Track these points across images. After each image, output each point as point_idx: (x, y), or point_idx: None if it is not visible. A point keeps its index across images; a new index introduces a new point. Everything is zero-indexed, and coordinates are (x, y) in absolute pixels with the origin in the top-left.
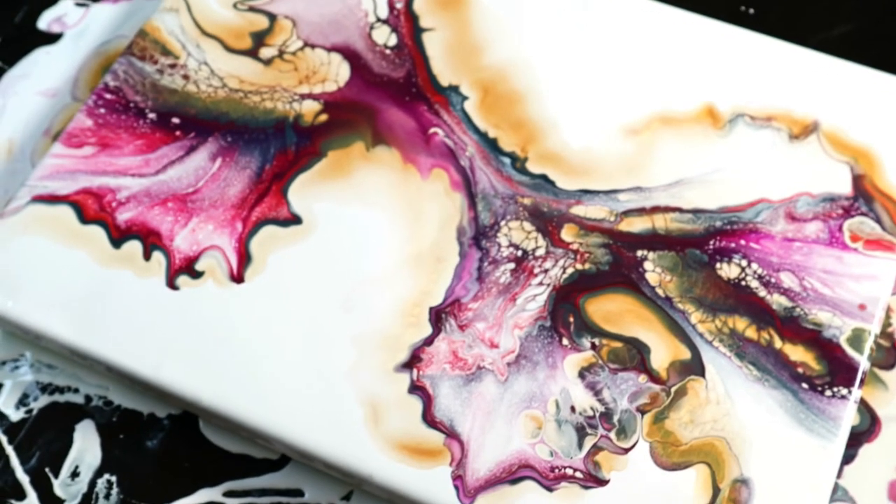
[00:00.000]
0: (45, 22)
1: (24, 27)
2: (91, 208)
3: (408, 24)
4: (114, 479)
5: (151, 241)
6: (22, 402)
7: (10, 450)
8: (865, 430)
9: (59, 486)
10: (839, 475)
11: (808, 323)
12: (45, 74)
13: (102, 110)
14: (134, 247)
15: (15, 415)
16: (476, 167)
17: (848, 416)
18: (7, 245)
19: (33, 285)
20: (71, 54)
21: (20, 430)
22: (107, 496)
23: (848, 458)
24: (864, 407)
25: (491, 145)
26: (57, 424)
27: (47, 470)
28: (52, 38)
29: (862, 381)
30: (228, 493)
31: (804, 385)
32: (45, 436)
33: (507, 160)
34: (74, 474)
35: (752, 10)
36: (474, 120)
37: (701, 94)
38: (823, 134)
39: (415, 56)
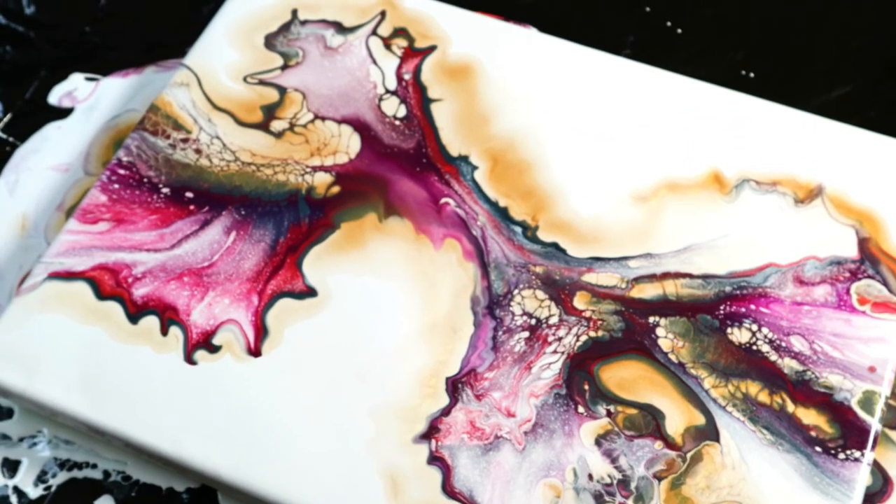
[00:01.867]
0: (55, 97)
1: (35, 102)
2: (107, 284)
3: (416, 95)
4: None
5: (168, 316)
6: (41, 478)
7: None
8: (878, 491)
9: None
10: None
11: (820, 386)
12: (56, 149)
13: (116, 186)
14: (151, 322)
15: (34, 492)
16: (488, 236)
17: (862, 478)
18: (24, 322)
19: (51, 363)
20: (82, 129)
21: None
22: None
23: None
24: (877, 468)
25: (502, 214)
26: (76, 501)
27: None
28: (62, 112)
29: (874, 443)
30: None
31: (818, 448)
32: None
33: (518, 229)
34: None
35: (752, 74)
36: (485, 189)
37: (707, 160)
38: (828, 197)
39: (424, 127)
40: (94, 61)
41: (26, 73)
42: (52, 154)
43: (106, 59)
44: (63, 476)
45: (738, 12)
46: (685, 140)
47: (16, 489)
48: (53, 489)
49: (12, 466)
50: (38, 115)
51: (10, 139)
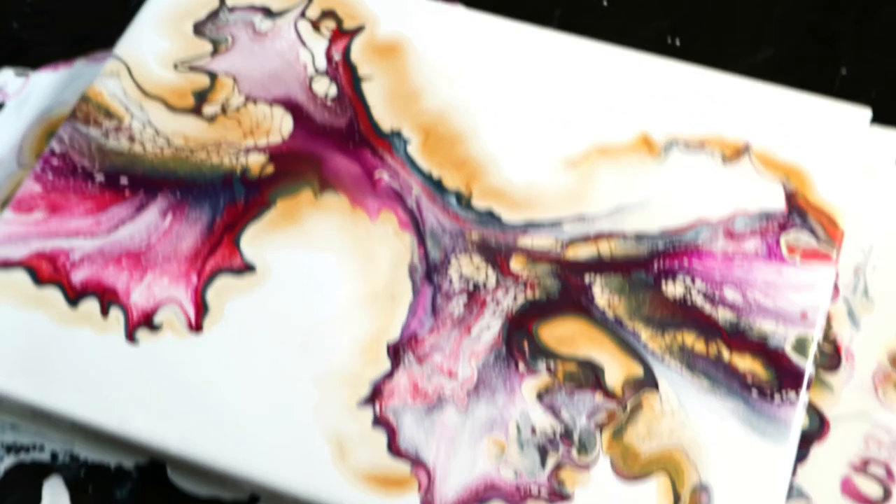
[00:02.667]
0: None
1: None
2: (45, 271)
3: (347, 75)
4: None
5: (108, 298)
6: None
7: None
8: (815, 431)
9: None
10: (794, 475)
11: (754, 334)
12: None
13: (50, 175)
14: (91, 305)
15: None
16: (423, 207)
17: (797, 418)
18: None
19: None
20: (14, 123)
21: None
22: None
23: (801, 458)
24: (813, 409)
25: (436, 185)
26: (25, 483)
27: None
28: None
29: (808, 386)
30: None
31: (754, 393)
32: (13, 496)
33: (452, 198)
34: None
35: (678, 41)
36: (417, 162)
37: (635, 125)
38: (755, 155)
39: (356, 105)
40: (24, 56)
41: None
42: None
43: (35, 53)
44: (10, 460)
45: None
46: (614, 106)
47: None
48: (1, 473)
49: None
50: None
51: None
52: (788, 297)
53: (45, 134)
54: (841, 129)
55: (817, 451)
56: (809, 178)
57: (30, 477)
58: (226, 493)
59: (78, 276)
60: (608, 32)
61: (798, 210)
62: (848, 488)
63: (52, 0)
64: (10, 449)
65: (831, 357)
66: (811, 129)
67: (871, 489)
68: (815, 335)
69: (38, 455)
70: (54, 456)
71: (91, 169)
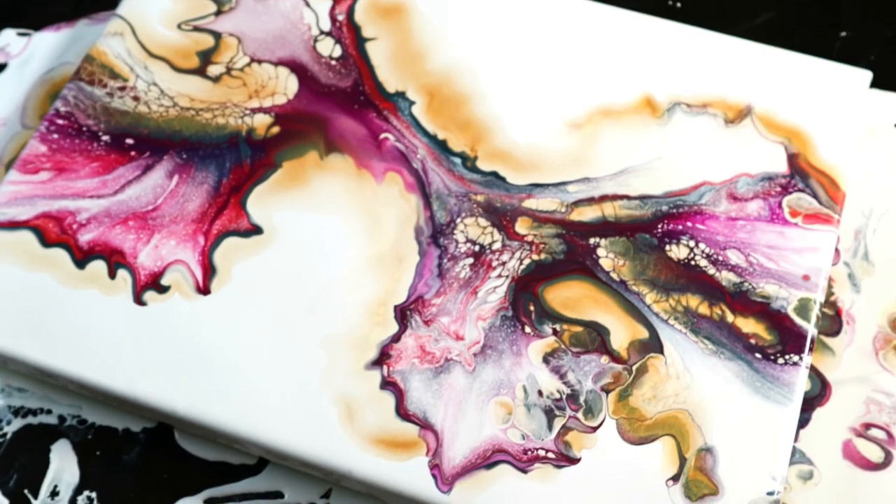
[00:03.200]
0: None
1: None
2: (52, 232)
3: (351, 35)
4: (94, 495)
5: (115, 259)
6: None
7: None
8: (817, 395)
9: None
10: (796, 439)
11: (757, 296)
12: None
13: (55, 136)
14: (98, 266)
15: None
16: (428, 168)
17: (801, 380)
18: None
19: (0, 311)
20: (17, 83)
21: None
22: None
23: (802, 422)
24: (815, 373)
25: (441, 147)
26: (32, 446)
27: (26, 491)
28: None
29: (811, 348)
30: (209, 501)
31: (757, 355)
32: (21, 458)
33: (457, 160)
34: (54, 493)
35: (679, 4)
36: (423, 123)
37: (638, 86)
38: (757, 117)
39: (360, 65)
40: (25, 17)
41: None
42: None
43: (37, 14)
44: (18, 423)
45: None
46: (616, 68)
47: None
48: (9, 436)
49: None
50: None
51: None
52: (791, 260)
53: (48, 94)
54: (842, 91)
55: (819, 414)
56: (811, 140)
57: (38, 440)
58: (233, 457)
59: (85, 238)
60: None
61: (800, 172)
62: (849, 452)
63: None
64: (18, 412)
65: (832, 321)
66: (813, 91)
67: (872, 452)
68: (818, 297)
69: (45, 418)
70: (62, 419)
71: (96, 129)
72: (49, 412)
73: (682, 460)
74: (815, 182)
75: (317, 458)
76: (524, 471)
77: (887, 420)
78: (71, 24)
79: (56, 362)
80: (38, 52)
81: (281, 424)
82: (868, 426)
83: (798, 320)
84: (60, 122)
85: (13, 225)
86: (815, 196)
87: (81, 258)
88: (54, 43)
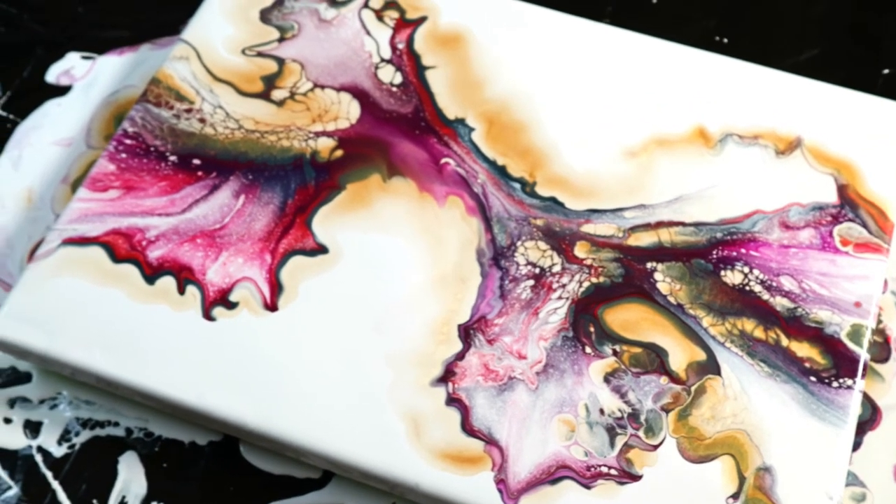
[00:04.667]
0: (53, 75)
1: (33, 81)
2: (122, 248)
3: (411, 63)
4: None
5: (184, 276)
6: (64, 437)
7: (56, 484)
8: (868, 420)
9: None
10: (848, 462)
11: (810, 321)
12: (57, 125)
13: (124, 155)
14: (168, 282)
15: (58, 451)
16: (489, 193)
17: (854, 404)
18: (42, 287)
19: (72, 324)
20: (82, 105)
21: (64, 465)
22: None
23: (854, 445)
24: (865, 398)
25: (500, 172)
26: (100, 457)
27: (95, 502)
28: (61, 90)
29: (864, 372)
30: None
31: (812, 378)
32: (89, 469)
33: (517, 185)
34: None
35: (725, 40)
36: (482, 149)
37: (692, 117)
38: (807, 149)
39: (420, 92)
40: (89, 40)
41: (22, 52)
42: (54, 129)
43: (100, 38)
44: (86, 435)
45: None
46: (670, 99)
47: (40, 449)
48: (77, 447)
49: (34, 428)
50: (36, 93)
51: (11, 117)
52: (843, 287)
53: (112, 116)
54: (888, 125)
55: (870, 438)
56: (860, 171)
57: (106, 451)
58: (298, 471)
59: (154, 254)
60: (657, 30)
61: (850, 202)
62: None
63: None
64: (86, 424)
65: (881, 348)
66: (860, 125)
67: None
68: (870, 324)
69: (113, 430)
70: (129, 432)
71: (163, 149)
72: (116, 424)
73: (742, 479)
74: (865, 212)
75: (385, 471)
76: (587, 487)
77: None
78: (134, 48)
79: (127, 374)
80: (102, 75)
81: (349, 437)
82: None
83: (851, 345)
84: (128, 141)
85: (84, 241)
86: (864, 226)
87: (151, 274)
88: (118, 66)
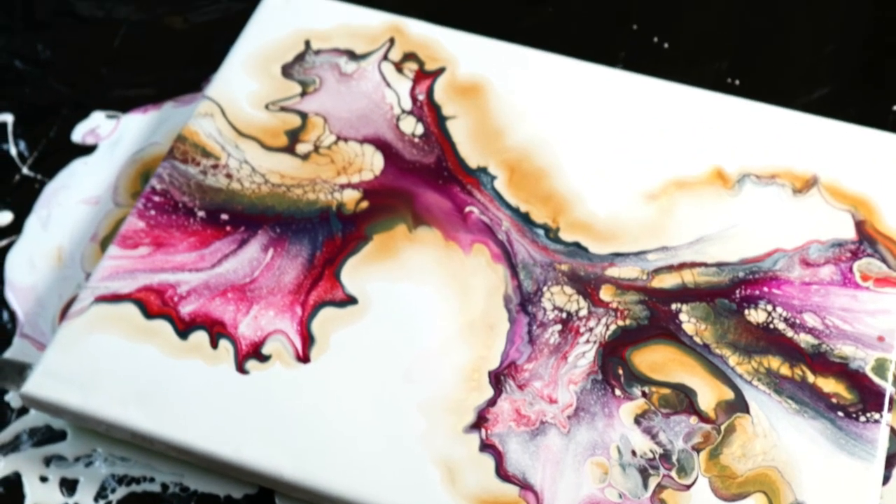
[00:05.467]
0: (78, 135)
1: (59, 141)
2: (154, 304)
3: (431, 114)
4: None
5: (217, 330)
6: (100, 494)
7: None
8: (895, 454)
9: None
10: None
11: (835, 357)
12: (84, 183)
13: (153, 212)
14: (200, 337)
15: None
16: (513, 240)
17: (883, 437)
18: (75, 344)
19: (106, 380)
20: (108, 163)
21: None
22: None
23: (884, 479)
24: (893, 433)
25: (524, 219)
26: None
27: None
28: (87, 149)
29: (890, 406)
30: None
31: (839, 413)
32: None
33: (540, 231)
34: None
35: (737, 82)
36: (505, 197)
37: (709, 159)
38: (823, 186)
39: (442, 142)
40: (113, 99)
41: (48, 113)
42: (81, 188)
43: (124, 97)
44: (122, 491)
45: (719, 25)
46: (687, 142)
47: None
48: (114, 503)
49: (70, 486)
50: (62, 152)
51: (38, 176)
52: (865, 322)
53: (138, 174)
54: None
55: None
56: (876, 207)
57: None
58: None
59: (186, 309)
60: (670, 73)
61: (868, 238)
62: None
63: (138, 44)
64: (122, 480)
65: None
66: (874, 162)
67: None
68: (893, 357)
69: (148, 486)
70: (164, 487)
71: (192, 205)
72: (152, 480)
73: None
74: (883, 247)
75: None
76: None
77: None
78: (157, 106)
79: (162, 429)
80: (127, 133)
81: (385, 486)
82: None
83: (876, 379)
84: (157, 198)
85: (116, 298)
86: (883, 260)
87: (184, 329)
88: (142, 124)
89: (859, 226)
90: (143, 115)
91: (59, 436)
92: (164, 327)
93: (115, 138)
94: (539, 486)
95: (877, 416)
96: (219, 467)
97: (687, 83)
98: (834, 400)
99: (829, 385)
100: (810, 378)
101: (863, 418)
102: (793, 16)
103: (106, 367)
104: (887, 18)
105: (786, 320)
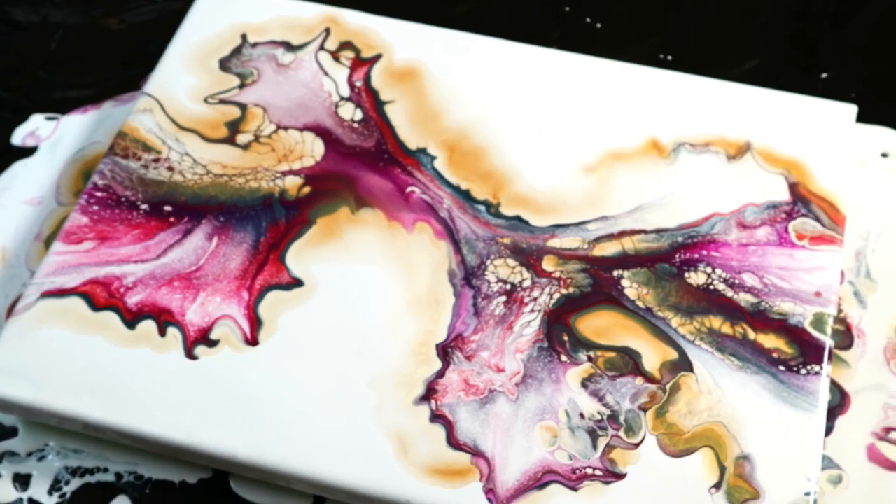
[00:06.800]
0: (18, 137)
1: None
2: (100, 296)
3: (369, 99)
4: None
5: (164, 318)
6: (54, 487)
7: None
8: (837, 405)
9: None
10: (822, 446)
11: (774, 314)
12: (27, 185)
13: (95, 207)
14: (148, 326)
15: (49, 500)
16: (455, 217)
17: (823, 388)
18: (23, 339)
19: (56, 372)
20: (49, 164)
21: None
22: None
23: (826, 430)
24: (834, 384)
25: (465, 196)
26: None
27: None
28: (27, 151)
29: (829, 358)
30: None
31: (781, 367)
32: None
33: (482, 207)
34: None
35: (669, 57)
36: (446, 176)
37: (644, 131)
38: (756, 152)
39: (381, 126)
40: (52, 101)
41: None
42: (24, 189)
43: (63, 98)
44: (76, 482)
45: (649, 4)
46: (622, 115)
47: (31, 500)
48: (68, 496)
49: (24, 480)
50: (3, 155)
51: None
52: (802, 279)
53: (80, 173)
54: (831, 124)
55: (841, 423)
56: (808, 169)
57: (97, 498)
58: (288, 500)
59: (133, 300)
60: (604, 52)
61: (801, 199)
62: (874, 455)
63: (75, 45)
64: (76, 472)
65: (844, 336)
66: (805, 126)
67: (895, 453)
68: (831, 311)
69: (102, 476)
70: (119, 476)
71: (134, 199)
72: (106, 470)
73: (722, 469)
74: (817, 207)
75: (376, 490)
76: (574, 489)
77: None
78: (97, 106)
79: (114, 418)
80: (67, 133)
81: (338, 461)
82: (889, 430)
83: (815, 333)
84: (99, 194)
85: (62, 293)
86: (817, 220)
87: (131, 319)
88: (82, 124)
89: (793, 188)
90: (82, 116)
91: (11, 432)
92: (111, 318)
93: (55, 139)
94: (490, 453)
95: (817, 368)
96: (172, 453)
97: (620, 59)
98: (775, 355)
99: (769, 341)
100: (751, 335)
101: (804, 371)
102: None
103: (55, 360)
104: None
105: (725, 281)
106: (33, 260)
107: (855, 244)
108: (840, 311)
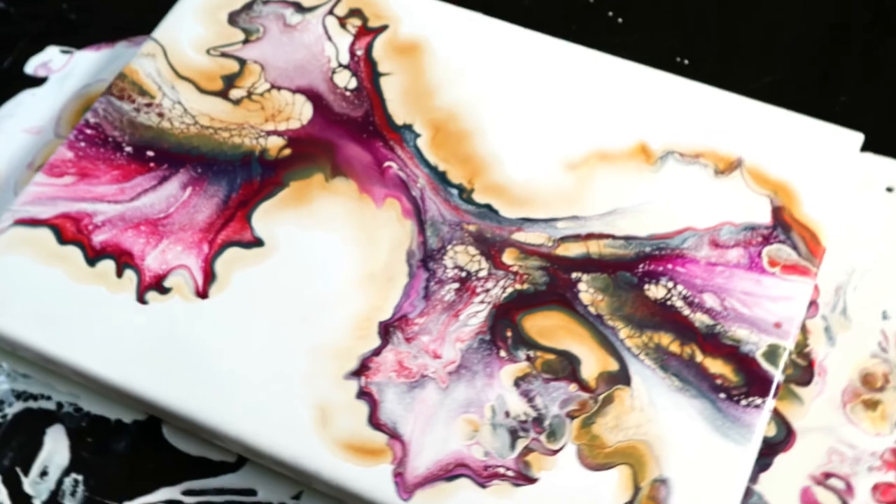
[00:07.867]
0: (31, 67)
1: (12, 72)
2: (69, 231)
3: (367, 69)
4: (80, 478)
5: (124, 260)
6: None
7: None
8: (781, 441)
9: (28, 485)
10: (755, 481)
11: (728, 339)
12: (30, 114)
13: (83, 144)
14: (107, 266)
15: None
16: (426, 197)
17: (761, 423)
18: None
19: (12, 299)
20: (55, 96)
21: None
22: (73, 493)
23: (764, 466)
24: (781, 419)
25: (440, 178)
26: (29, 428)
27: (18, 469)
28: (37, 81)
29: (776, 393)
30: (187, 492)
31: (722, 395)
32: (17, 439)
33: (454, 191)
34: (43, 473)
35: (686, 61)
36: (425, 155)
37: (635, 134)
38: (746, 170)
39: (373, 98)
40: (70, 36)
41: (5, 44)
42: (26, 118)
43: (81, 34)
44: (18, 406)
45: (676, 4)
46: (615, 115)
47: None
48: (9, 417)
49: None
50: (14, 83)
51: None
52: (765, 307)
53: (82, 108)
54: (832, 151)
55: (781, 460)
56: (797, 195)
57: (35, 423)
58: (214, 454)
59: (98, 238)
60: (620, 48)
61: (783, 224)
62: (807, 498)
63: None
64: (20, 396)
65: (804, 371)
66: (803, 149)
67: (830, 501)
68: (788, 345)
69: (44, 404)
70: (59, 406)
71: (121, 140)
72: (48, 398)
73: (637, 489)
74: (797, 235)
75: (288, 457)
76: (483, 486)
77: (848, 471)
78: (111, 44)
79: (59, 351)
80: (78, 68)
81: (259, 423)
82: (828, 475)
83: (765, 365)
84: (89, 131)
85: (33, 222)
86: (794, 248)
87: (93, 256)
88: (94, 61)
89: (776, 212)
90: (95, 53)
91: None
92: (74, 253)
93: (65, 72)
94: (407, 437)
95: (758, 401)
96: (109, 392)
97: (635, 58)
98: (719, 381)
99: (716, 366)
100: (699, 357)
101: (744, 402)
102: (752, 2)
103: (15, 287)
104: (846, 8)
105: (684, 298)
106: (22, 187)
107: (837, 278)
108: (806, 345)
